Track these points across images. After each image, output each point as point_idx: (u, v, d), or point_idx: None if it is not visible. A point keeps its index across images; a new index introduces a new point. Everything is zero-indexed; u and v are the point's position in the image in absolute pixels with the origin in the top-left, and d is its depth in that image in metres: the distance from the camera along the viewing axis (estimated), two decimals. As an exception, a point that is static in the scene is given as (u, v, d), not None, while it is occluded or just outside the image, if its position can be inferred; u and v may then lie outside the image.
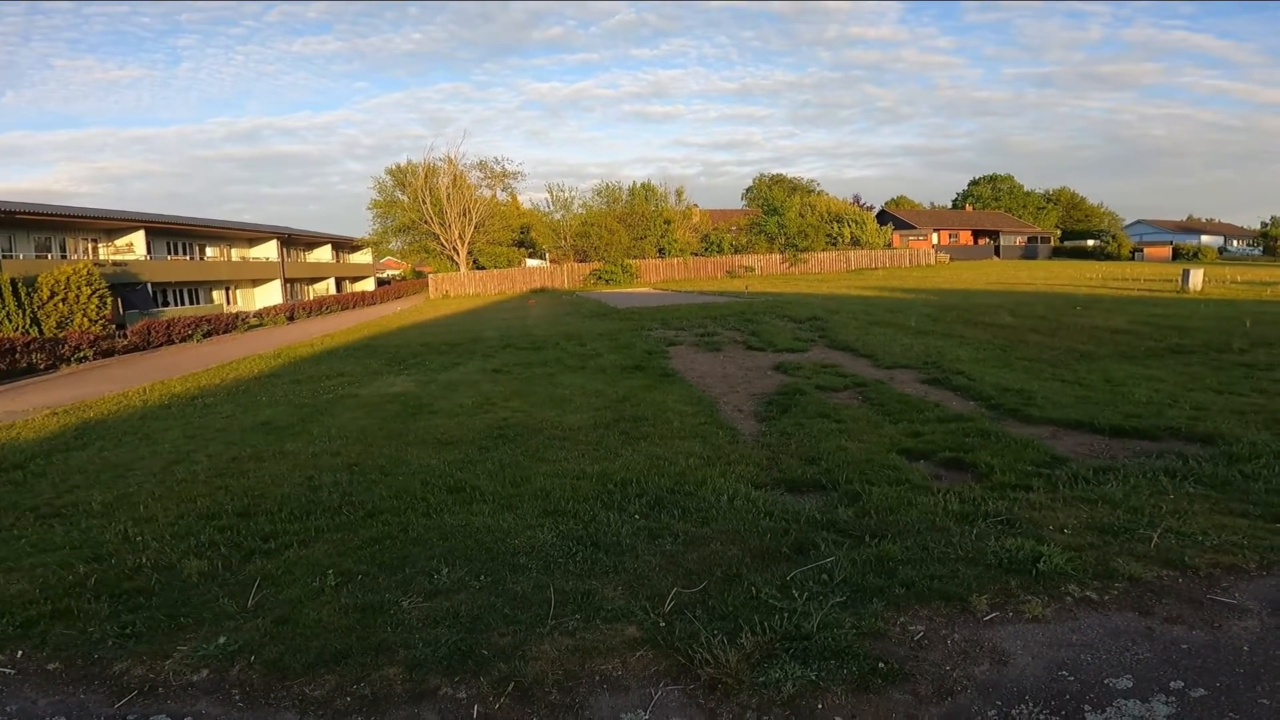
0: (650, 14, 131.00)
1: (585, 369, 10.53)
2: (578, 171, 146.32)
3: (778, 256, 44.36)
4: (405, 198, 46.46)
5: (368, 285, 58.11)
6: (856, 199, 70.22)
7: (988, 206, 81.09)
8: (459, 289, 42.42)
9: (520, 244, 53.39)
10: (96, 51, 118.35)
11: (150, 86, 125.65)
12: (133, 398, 11.02)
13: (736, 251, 45.47)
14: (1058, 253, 63.18)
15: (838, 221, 48.20)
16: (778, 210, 46.54)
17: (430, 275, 45.86)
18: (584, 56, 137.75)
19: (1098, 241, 63.61)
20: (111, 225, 33.35)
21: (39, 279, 24.34)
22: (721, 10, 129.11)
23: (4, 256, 26.87)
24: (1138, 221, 76.97)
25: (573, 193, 49.74)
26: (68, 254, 31.11)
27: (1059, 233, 73.93)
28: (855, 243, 47.51)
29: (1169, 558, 3.39)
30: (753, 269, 43.37)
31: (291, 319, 32.16)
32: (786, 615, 2.95)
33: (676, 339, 13.53)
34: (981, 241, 64.62)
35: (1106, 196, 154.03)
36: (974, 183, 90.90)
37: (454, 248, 45.77)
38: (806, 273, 42.83)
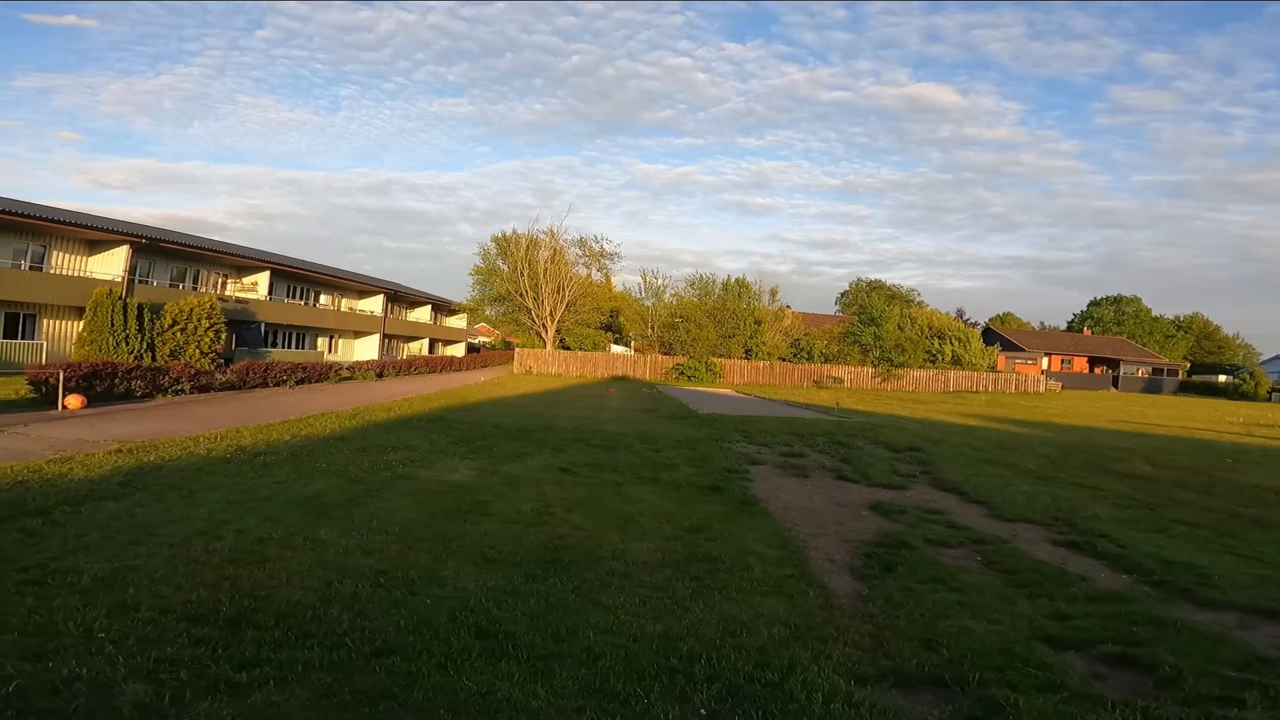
0: (759, 104, 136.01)
1: (658, 482, 9.56)
2: (671, 257, 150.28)
3: (870, 370, 42.54)
4: (505, 267, 48.35)
5: (458, 350, 60.27)
6: (960, 313, 67.79)
7: (1108, 331, 76.16)
8: (542, 366, 42.95)
9: (607, 328, 54.15)
10: (275, 93, 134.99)
11: (310, 131, 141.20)
12: (200, 444, 10.95)
13: (826, 360, 44.04)
14: (1184, 388, 57.79)
15: (939, 337, 46.10)
16: (875, 320, 45.06)
17: (517, 348, 46.84)
18: (690, 141, 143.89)
19: (1231, 378, 57.84)
20: (242, 263, 36.17)
21: (165, 307, 26.21)
22: (830, 104, 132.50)
23: (140, 282, 29.20)
24: (1276, 357, 69.62)
25: (665, 280, 49.99)
26: (199, 286, 33.72)
27: (1187, 365, 67.94)
28: (956, 362, 45.07)
29: None
30: (841, 380, 41.69)
31: (380, 376, 33.13)
32: None
33: (759, 457, 12.40)
34: (1098, 370, 60.20)
35: (1240, 324, 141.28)
36: (1094, 303, 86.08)
37: (543, 324, 46.81)
38: (899, 390, 40.66)
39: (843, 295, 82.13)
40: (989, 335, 59.70)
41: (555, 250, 47.01)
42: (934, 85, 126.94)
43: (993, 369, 46.70)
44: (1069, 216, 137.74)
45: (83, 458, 9.28)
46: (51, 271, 25.99)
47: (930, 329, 47.97)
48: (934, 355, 45.59)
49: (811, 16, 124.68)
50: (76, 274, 26.59)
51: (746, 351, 44.34)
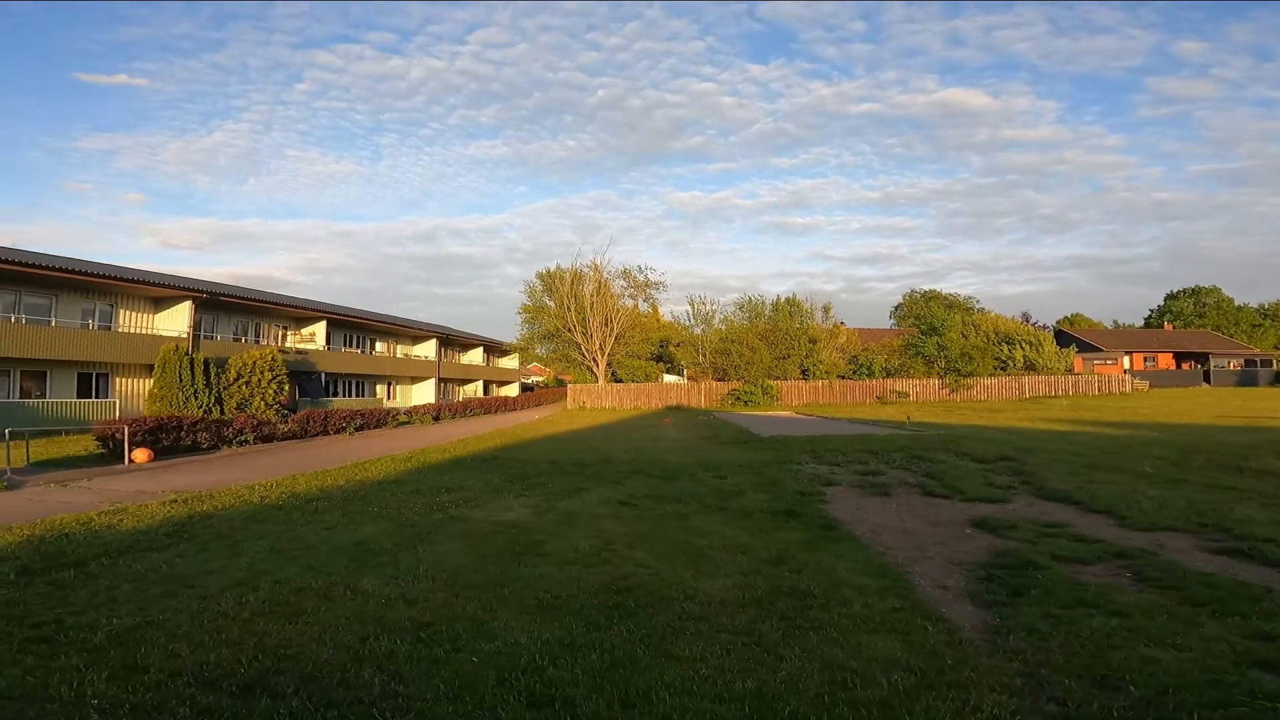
0: (788, 123, 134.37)
1: (726, 510, 8.71)
2: (717, 284, 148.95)
3: (936, 381, 40.47)
4: (552, 303, 48.48)
5: (512, 390, 60.62)
6: (1026, 317, 64.59)
7: (1189, 324, 71.21)
8: (596, 401, 42.55)
9: (658, 358, 53.58)
10: (321, 145, 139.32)
11: (357, 182, 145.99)
12: (255, 492, 10.74)
13: (889, 375, 42.18)
14: None
15: (1007, 343, 43.70)
16: (937, 330, 43.02)
17: (570, 385, 46.67)
18: (724, 165, 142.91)
19: (1328, 365, 52.77)
20: (300, 314, 37.23)
21: (229, 361, 26.97)
22: (861, 117, 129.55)
23: (205, 337, 30.22)
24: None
25: (713, 306, 49.37)
26: (261, 339, 34.73)
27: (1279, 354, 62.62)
28: (1030, 367, 42.52)
29: None
30: (907, 394, 39.77)
31: (437, 419, 33.28)
32: None
33: (833, 477, 11.39)
34: (1185, 366, 56.01)
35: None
36: (1171, 297, 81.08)
37: (594, 358, 46.57)
38: (971, 400, 38.46)
39: (897, 308, 79.57)
40: (1061, 337, 56.42)
41: (600, 283, 46.92)
42: (964, 90, 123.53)
43: (1070, 371, 43.84)
44: (1126, 212, 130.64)
45: (136, 509, 9.14)
46: (120, 330, 26.94)
47: (997, 335, 45.56)
48: (1004, 362, 43.14)
49: (830, 31, 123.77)
50: (143, 332, 27.60)
51: (803, 372, 42.93)
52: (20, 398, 23.13)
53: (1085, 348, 54.56)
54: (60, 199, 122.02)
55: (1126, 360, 54.82)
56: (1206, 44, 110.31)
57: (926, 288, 76.85)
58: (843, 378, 42.43)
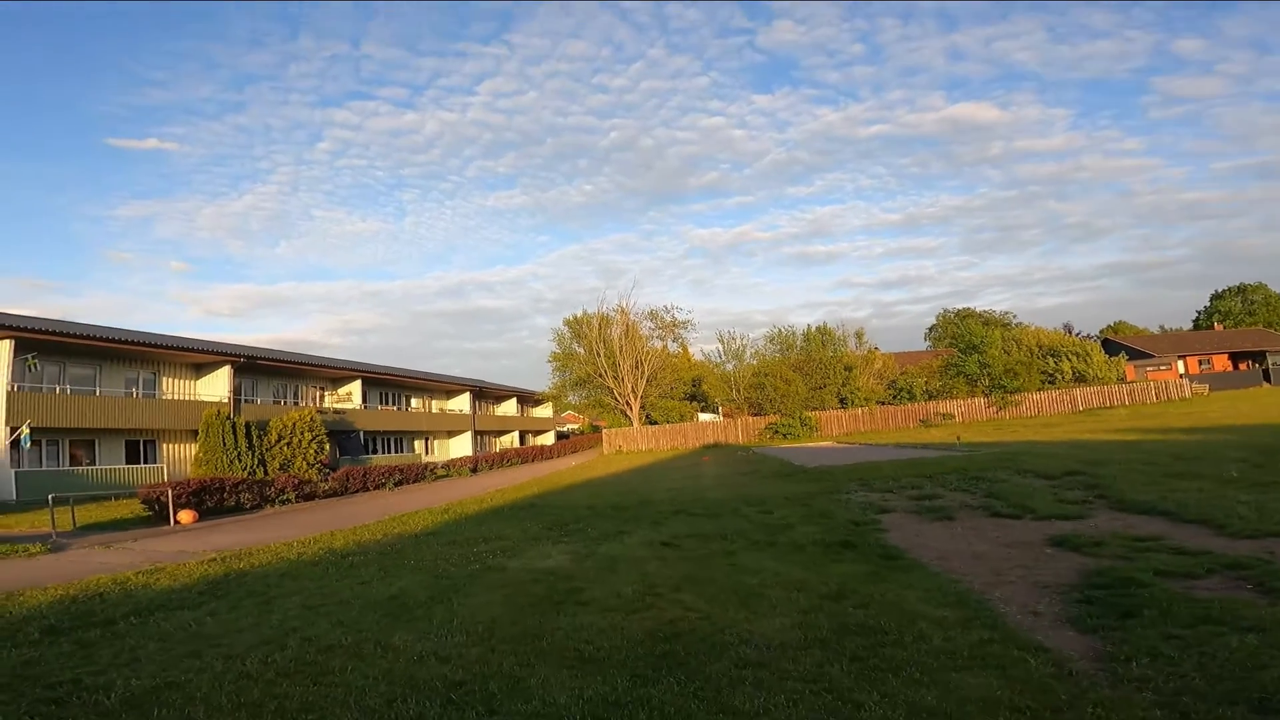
0: (801, 151, 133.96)
1: (775, 545, 8.16)
2: (744, 320, 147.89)
3: (981, 400, 39.07)
4: (581, 350, 48.33)
5: (548, 439, 60.47)
6: (1069, 328, 62.56)
7: (1240, 323, 68.13)
8: (632, 444, 42.05)
9: (692, 397, 52.92)
10: (346, 204, 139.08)
11: (384, 240, 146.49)
12: (293, 549, 10.57)
13: (930, 397, 40.90)
14: (1342, 372, 49.84)
15: (1053, 356, 42.12)
16: (977, 347, 41.71)
17: (604, 430, 46.26)
18: (740, 199, 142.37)
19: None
20: (336, 374, 37.81)
21: (270, 423, 27.33)
22: (872, 140, 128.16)
23: (246, 401, 30.77)
24: None
25: (744, 341, 48.72)
26: (299, 400, 35.26)
27: (1336, 349, 59.18)
28: (1080, 378, 40.80)
29: None
30: (951, 416, 38.42)
31: (475, 471, 33.13)
32: None
33: (887, 504, 10.73)
34: (1242, 366, 53.27)
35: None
36: (1217, 296, 78.15)
37: (627, 401, 46.15)
38: (1020, 417, 36.94)
39: (931, 329, 77.89)
40: (1109, 345, 54.29)
41: (627, 325, 46.75)
42: (972, 104, 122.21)
43: (1122, 380, 41.97)
44: (1155, 214, 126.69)
45: (173, 568, 9.04)
46: (163, 397, 27.56)
47: (1040, 348, 44.00)
48: (1051, 375, 41.52)
49: (830, 55, 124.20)
50: (186, 398, 28.23)
51: (841, 400, 41.88)
52: (70, 465, 23.67)
53: (1135, 355, 52.40)
54: (105, 269, 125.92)
55: (1180, 364, 52.43)
56: (1205, 41, 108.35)
57: (959, 306, 75.18)
58: (882, 403, 41.26)
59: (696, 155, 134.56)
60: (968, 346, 42.77)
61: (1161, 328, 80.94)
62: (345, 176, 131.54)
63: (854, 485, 13.35)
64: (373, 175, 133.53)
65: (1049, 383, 41.02)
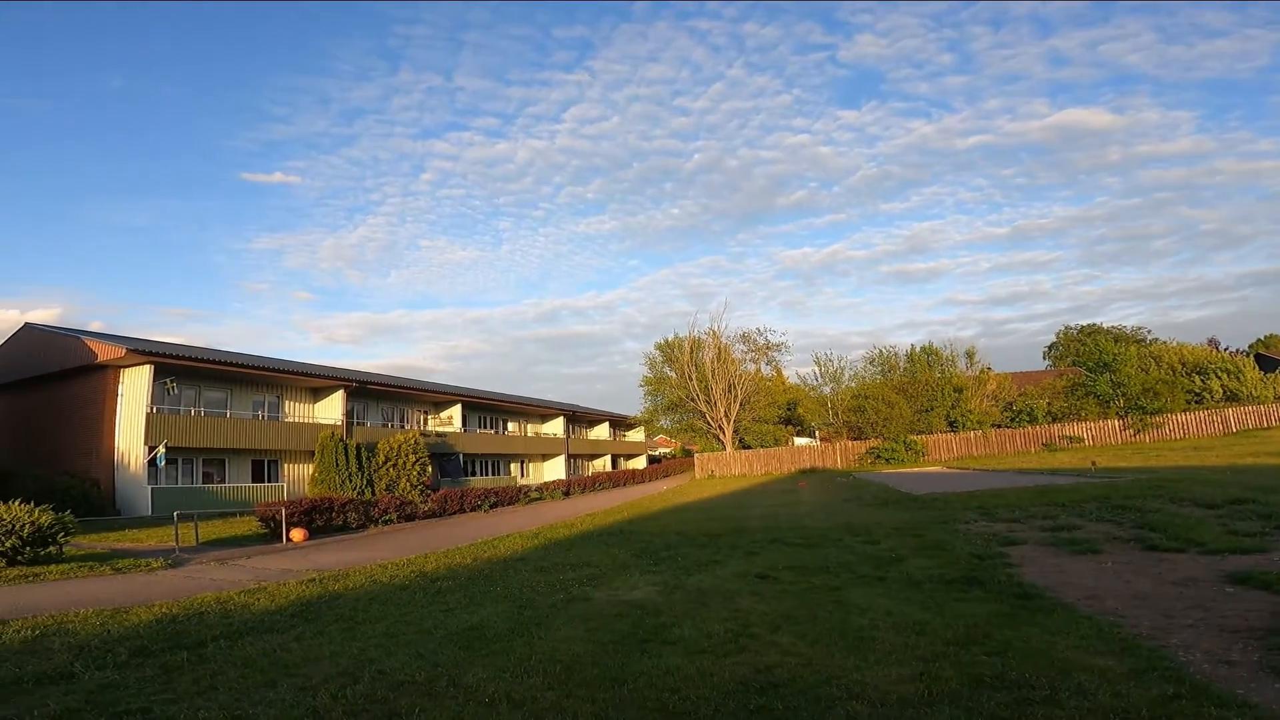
0: (893, 165, 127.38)
1: (885, 580, 7.32)
2: (840, 342, 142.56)
3: (1115, 422, 35.33)
4: (673, 374, 47.90)
5: (639, 463, 60.33)
6: (1214, 343, 55.97)
7: None
8: (724, 469, 41.08)
9: (787, 421, 51.16)
10: (448, 233, 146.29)
11: (483, 268, 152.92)
12: (386, 571, 10.71)
13: (1054, 420, 37.42)
14: None
15: (1199, 373, 37.62)
16: (1109, 365, 37.87)
17: (697, 454, 45.48)
18: (831, 218, 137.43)
19: None
20: (437, 398, 39.43)
21: (378, 445, 28.73)
22: (971, 151, 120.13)
23: (357, 424, 32.52)
24: None
25: (841, 363, 46.58)
26: (405, 423, 36.93)
27: None
28: (1232, 397, 36.16)
29: None
30: (1080, 439, 34.96)
31: (567, 494, 33.31)
32: None
33: (1014, 535, 9.54)
34: None
35: None
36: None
37: (719, 425, 45.20)
38: (1163, 440, 33.02)
39: (1052, 348, 71.89)
40: (1262, 361, 47.92)
41: (719, 349, 45.94)
42: (1081, 110, 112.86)
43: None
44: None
45: (274, 587, 9.27)
46: (286, 420, 29.67)
47: (1184, 365, 39.40)
48: (1198, 394, 37.00)
49: (918, 67, 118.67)
50: (305, 420, 30.22)
51: (950, 424, 39.11)
52: (202, 483, 25.74)
53: (1298, 370, 45.94)
54: (242, 299, 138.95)
55: (1360, 382, 45.45)
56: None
57: (1083, 323, 68.99)
58: (998, 426, 38.16)
59: (783, 174, 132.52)
60: (1098, 365, 38.92)
61: (1322, 341, 70.70)
62: (446, 206, 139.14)
63: (972, 514, 12.08)
64: (470, 204, 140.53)
65: (1196, 402, 36.58)
